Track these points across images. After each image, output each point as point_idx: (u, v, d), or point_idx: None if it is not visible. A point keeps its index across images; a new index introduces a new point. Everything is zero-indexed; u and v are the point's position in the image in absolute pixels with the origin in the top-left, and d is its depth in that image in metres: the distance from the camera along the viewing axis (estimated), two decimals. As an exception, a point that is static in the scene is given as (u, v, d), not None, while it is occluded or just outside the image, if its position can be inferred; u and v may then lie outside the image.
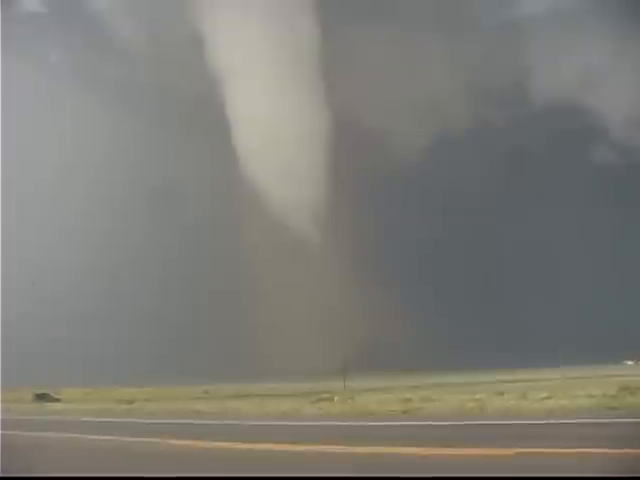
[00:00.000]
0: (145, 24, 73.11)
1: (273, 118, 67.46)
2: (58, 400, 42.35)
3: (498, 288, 67.34)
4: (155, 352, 63.67)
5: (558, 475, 8.73)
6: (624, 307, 60.72)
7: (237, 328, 63.95)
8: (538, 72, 71.73)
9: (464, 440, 12.71)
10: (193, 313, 65.79)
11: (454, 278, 68.66)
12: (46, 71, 71.26)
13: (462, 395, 27.69)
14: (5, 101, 65.17)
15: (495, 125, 71.33)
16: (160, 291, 68.14)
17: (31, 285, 64.50)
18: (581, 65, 69.64)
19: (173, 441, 14.94)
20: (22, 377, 50.74)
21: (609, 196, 64.54)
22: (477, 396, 24.88)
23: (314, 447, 12.82)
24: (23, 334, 60.07)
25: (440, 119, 70.80)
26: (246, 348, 62.33)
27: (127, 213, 67.75)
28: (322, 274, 66.91)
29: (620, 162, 68.34)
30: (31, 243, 68.07)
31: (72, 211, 68.58)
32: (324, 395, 29.44)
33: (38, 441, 16.88)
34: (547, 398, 22.47)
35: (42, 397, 43.32)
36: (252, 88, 67.14)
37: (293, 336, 62.88)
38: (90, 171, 69.08)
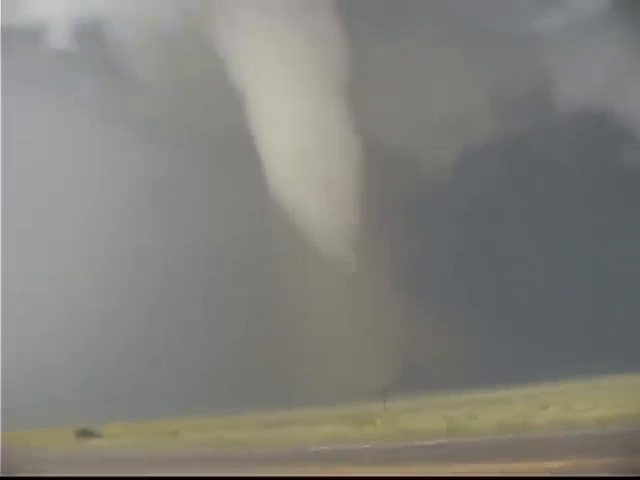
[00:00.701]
0: (167, 56, 74.26)
1: (302, 141, 68.22)
2: (101, 436, 42.59)
3: (534, 302, 66.61)
4: (191, 382, 63.95)
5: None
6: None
7: (273, 354, 64.01)
8: (562, 83, 71.34)
9: (514, 454, 12.65)
10: (226, 339, 66.13)
11: (490, 294, 68.09)
12: (71, 107, 72.51)
13: (506, 410, 27.41)
14: (28, 135, 67.62)
15: (522, 136, 70.98)
16: (192, 320, 68.72)
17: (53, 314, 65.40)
18: (605, 73, 68.91)
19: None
20: (57, 416, 51.18)
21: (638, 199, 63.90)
22: (521, 410, 24.65)
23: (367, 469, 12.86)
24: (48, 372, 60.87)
25: (466, 134, 70.66)
26: (282, 373, 62.28)
27: (159, 243, 69.00)
28: (358, 295, 66.88)
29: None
30: (60, 267, 68.97)
31: (105, 238, 69.82)
32: (366, 418, 29.34)
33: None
34: (592, 408, 22.19)
35: (84, 433, 43.52)
36: (280, 110, 67.91)
37: (330, 359, 62.70)
38: (121, 198, 70.64)
